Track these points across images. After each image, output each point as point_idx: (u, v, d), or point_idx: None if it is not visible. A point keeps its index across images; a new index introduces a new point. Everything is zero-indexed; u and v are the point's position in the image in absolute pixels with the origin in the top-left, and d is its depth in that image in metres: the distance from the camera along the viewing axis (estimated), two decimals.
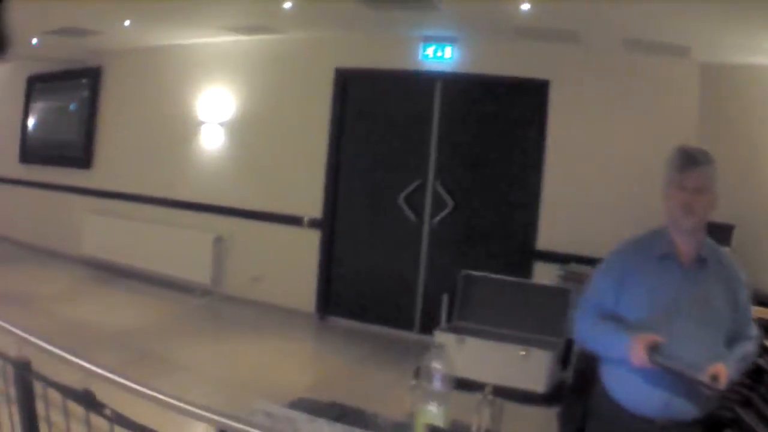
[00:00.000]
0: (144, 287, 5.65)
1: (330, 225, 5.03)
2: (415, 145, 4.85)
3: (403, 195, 4.82)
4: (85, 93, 6.56)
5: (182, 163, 5.77)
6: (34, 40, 6.00)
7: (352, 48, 5.02)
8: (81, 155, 6.54)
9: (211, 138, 5.58)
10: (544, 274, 4.44)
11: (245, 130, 5.42)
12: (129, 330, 4.36)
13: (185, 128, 5.72)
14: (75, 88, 6.73)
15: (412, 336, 4.78)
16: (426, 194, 4.80)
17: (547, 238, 4.56)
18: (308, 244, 5.07)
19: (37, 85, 7.11)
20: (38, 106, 7.16)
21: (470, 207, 4.72)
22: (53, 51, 6.40)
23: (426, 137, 4.82)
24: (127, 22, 5.15)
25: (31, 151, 7.12)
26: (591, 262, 4.06)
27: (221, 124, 5.51)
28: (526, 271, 4.55)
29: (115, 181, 6.24)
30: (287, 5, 4.31)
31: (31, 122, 7.14)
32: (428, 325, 4.69)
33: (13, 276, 5.68)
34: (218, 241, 5.41)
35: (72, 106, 6.81)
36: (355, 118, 5.05)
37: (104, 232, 6.12)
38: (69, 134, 6.77)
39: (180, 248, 5.53)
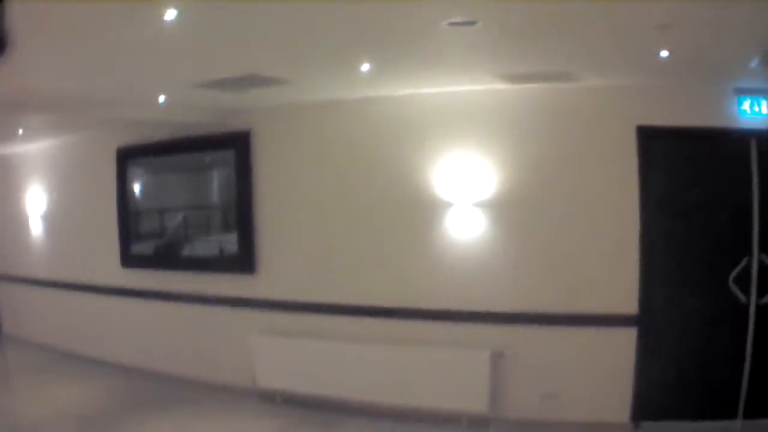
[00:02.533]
0: (389, 428, 4.29)
1: (648, 319, 4.21)
2: (736, 214, 4.20)
3: (733, 275, 4.18)
4: (229, 167, 4.70)
5: (419, 258, 4.39)
6: (162, 98, 4.08)
7: (656, 101, 4.12)
8: (236, 254, 4.75)
9: (462, 224, 4.29)
10: None
11: (514, 210, 4.26)
12: None
13: (416, 212, 4.34)
14: (208, 163, 4.85)
15: (735, 424, 4.31)
16: (751, 270, 4.22)
17: None
18: (618, 344, 4.20)
19: (133, 159, 5.00)
20: (142, 186, 5.09)
21: None
22: (177, 113, 4.45)
23: (747, 204, 4.19)
24: (365, 66, 3.62)
25: (139, 252, 5.11)
26: None
27: (477, 205, 4.23)
28: None
29: (295, 288, 4.61)
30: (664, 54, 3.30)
31: (133, 210, 5.08)
32: (754, 409, 4.27)
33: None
34: (497, 357, 4.25)
35: (211, 183, 4.90)
36: (664, 187, 4.21)
37: (289, 356, 4.56)
38: (211, 228, 4.89)
39: (439, 371, 4.27)
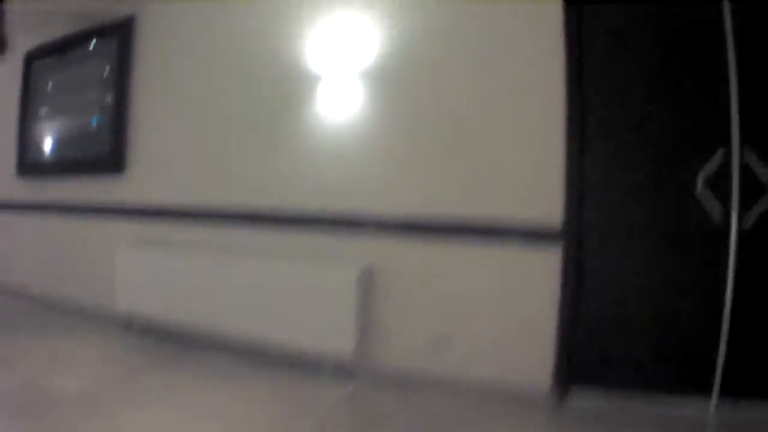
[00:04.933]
0: (235, 369, 3.26)
1: (577, 237, 3.00)
2: (704, 94, 3.00)
3: (702, 176, 2.94)
4: (110, 59, 4.19)
5: (286, 146, 3.43)
6: None
7: None
8: (106, 152, 4.23)
9: (337, 100, 3.30)
10: None
11: (401, 83, 3.22)
12: None
13: (289, 88, 3.39)
14: (93, 55, 4.30)
15: (708, 405, 2.94)
16: (731, 172, 2.96)
17: None
18: (536, 271, 2.99)
19: (40, 62, 4.81)
20: (45, 92, 4.58)
21: None
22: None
23: (720, 81, 2.99)
24: None
25: (34, 160, 4.49)
26: None
27: (359, 76, 3.24)
28: None
29: (165, 189, 3.80)
30: None
31: (34, 117, 4.59)
32: (733, 388, 2.91)
33: (15, 356, 3.08)
34: (367, 276, 3.13)
35: (89, 79, 4.31)
36: (601, 60, 3.08)
37: (153, 273, 3.69)
38: (87, 124, 4.29)
39: (293, 295, 3.20)
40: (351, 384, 3.09)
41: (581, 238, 2.98)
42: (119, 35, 4.31)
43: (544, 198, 2.94)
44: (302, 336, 3.21)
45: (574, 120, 2.97)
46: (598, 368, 2.99)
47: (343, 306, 3.11)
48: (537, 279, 2.95)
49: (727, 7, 2.97)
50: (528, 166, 2.97)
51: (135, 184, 4.18)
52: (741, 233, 2.87)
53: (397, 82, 3.25)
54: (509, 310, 3.01)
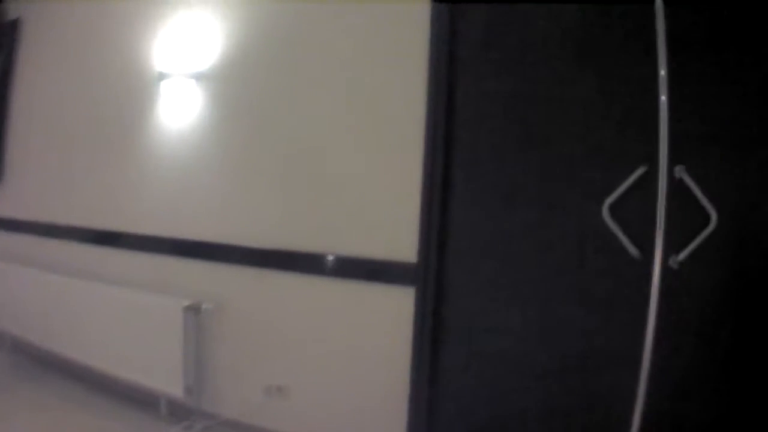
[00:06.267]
0: (74, 396, 2.94)
1: (436, 275, 2.32)
2: (625, 96, 2.25)
3: (608, 202, 2.19)
4: None
5: (131, 161, 2.98)
6: None
7: None
8: None
9: (176, 107, 2.80)
10: None
11: (242, 87, 2.65)
12: None
13: (138, 95, 2.96)
14: None
15: None
16: (657, 199, 2.18)
17: None
18: (385, 315, 2.33)
19: None
20: None
21: (749, 222, 2.14)
22: None
23: (646, 81, 2.23)
24: None
25: None
26: None
27: (194, 77, 2.71)
28: None
29: (35, 204, 3.45)
30: None
31: None
32: None
33: None
34: (192, 312, 2.60)
35: None
36: (485, 48, 2.41)
37: (16, 291, 3.31)
38: None
39: (125, 324, 2.76)
40: (179, 426, 2.59)
41: (443, 276, 2.28)
42: (6, 39, 3.96)
43: (396, 229, 2.28)
44: (140, 371, 2.73)
45: (433, 137, 2.29)
46: None
47: (170, 340, 2.59)
48: (386, 322, 2.28)
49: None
50: (385, 197, 2.33)
51: (10, 196, 3.80)
52: (666, 274, 2.10)
53: (233, 81, 2.70)
54: (352, 356, 2.36)
